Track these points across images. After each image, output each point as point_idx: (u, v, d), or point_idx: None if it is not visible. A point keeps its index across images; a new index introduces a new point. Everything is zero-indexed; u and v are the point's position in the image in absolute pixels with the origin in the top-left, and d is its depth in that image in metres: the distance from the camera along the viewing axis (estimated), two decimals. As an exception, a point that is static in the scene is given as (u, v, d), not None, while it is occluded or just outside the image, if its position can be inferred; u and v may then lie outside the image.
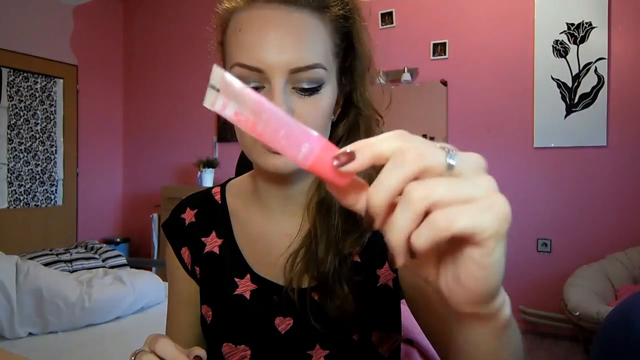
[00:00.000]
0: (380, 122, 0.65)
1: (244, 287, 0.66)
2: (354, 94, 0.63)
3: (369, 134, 0.63)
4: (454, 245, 0.31)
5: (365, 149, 0.30)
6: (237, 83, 0.32)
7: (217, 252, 0.69)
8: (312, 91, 0.55)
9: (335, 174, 0.31)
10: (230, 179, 0.77)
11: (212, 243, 0.70)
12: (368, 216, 0.30)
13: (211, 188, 0.75)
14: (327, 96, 0.57)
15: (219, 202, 0.72)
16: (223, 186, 0.75)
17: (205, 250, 0.70)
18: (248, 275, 0.67)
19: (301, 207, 0.66)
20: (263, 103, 0.32)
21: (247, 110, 0.32)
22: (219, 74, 0.33)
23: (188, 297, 0.72)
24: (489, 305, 0.33)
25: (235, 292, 0.66)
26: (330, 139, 0.63)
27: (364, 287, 0.62)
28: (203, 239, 0.70)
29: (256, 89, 0.54)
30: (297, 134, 0.31)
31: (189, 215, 0.72)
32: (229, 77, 0.33)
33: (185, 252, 0.71)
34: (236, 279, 0.67)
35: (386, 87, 0.69)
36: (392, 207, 0.30)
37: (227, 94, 0.32)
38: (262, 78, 0.54)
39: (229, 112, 0.32)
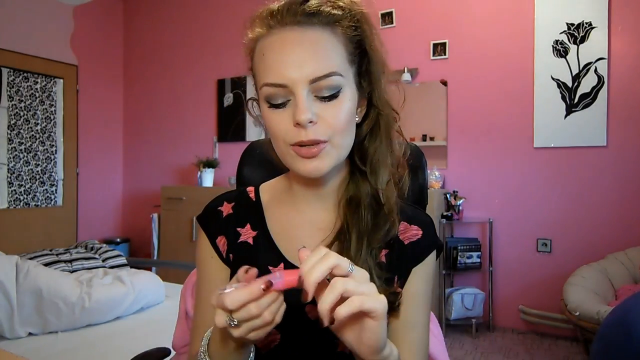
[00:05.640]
0: (397, 118, 0.73)
1: None
2: (373, 95, 0.69)
3: (388, 130, 0.71)
4: (358, 319, 0.51)
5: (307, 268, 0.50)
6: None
7: (251, 243, 0.74)
8: (331, 97, 0.62)
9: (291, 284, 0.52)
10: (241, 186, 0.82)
11: (247, 234, 0.74)
12: (304, 291, 0.50)
13: (245, 188, 0.81)
14: (347, 99, 0.64)
15: (253, 199, 0.78)
16: (257, 186, 0.80)
17: (240, 240, 0.74)
18: (282, 264, 0.71)
19: (333, 204, 0.73)
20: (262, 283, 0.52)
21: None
22: None
23: (223, 285, 0.73)
24: (380, 355, 0.54)
25: None
26: (355, 137, 0.69)
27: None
28: (238, 229, 0.75)
29: (283, 104, 0.62)
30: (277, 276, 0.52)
31: (226, 208, 0.76)
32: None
33: (220, 241, 0.74)
34: (270, 267, 0.71)
35: (401, 87, 0.77)
36: (321, 287, 0.50)
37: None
38: (287, 92, 0.61)
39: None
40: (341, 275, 0.50)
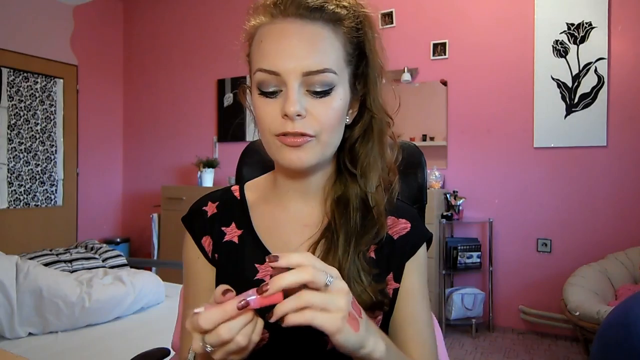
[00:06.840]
0: (391, 124, 0.72)
1: (265, 272, 0.70)
2: (367, 98, 0.69)
3: (381, 135, 0.71)
4: None
5: (275, 282, 0.48)
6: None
7: (237, 242, 0.73)
8: (323, 93, 0.62)
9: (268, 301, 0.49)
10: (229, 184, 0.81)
11: (232, 233, 0.74)
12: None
13: (229, 187, 0.80)
14: (338, 98, 0.63)
15: (238, 197, 0.77)
16: (241, 185, 0.80)
17: (225, 239, 0.74)
18: None
19: (319, 202, 0.73)
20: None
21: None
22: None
23: (210, 285, 0.74)
24: (358, 354, 0.53)
25: (256, 277, 0.70)
26: (347, 139, 0.70)
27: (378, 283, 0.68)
28: (223, 228, 0.74)
29: (274, 93, 0.62)
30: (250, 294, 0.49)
31: (210, 208, 0.76)
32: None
33: (206, 241, 0.74)
34: (256, 265, 0.71)
35: (396, 90, 0.76)
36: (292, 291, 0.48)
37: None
38: (280, 81, 0.61)
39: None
40: (315, 289, 0.48)
